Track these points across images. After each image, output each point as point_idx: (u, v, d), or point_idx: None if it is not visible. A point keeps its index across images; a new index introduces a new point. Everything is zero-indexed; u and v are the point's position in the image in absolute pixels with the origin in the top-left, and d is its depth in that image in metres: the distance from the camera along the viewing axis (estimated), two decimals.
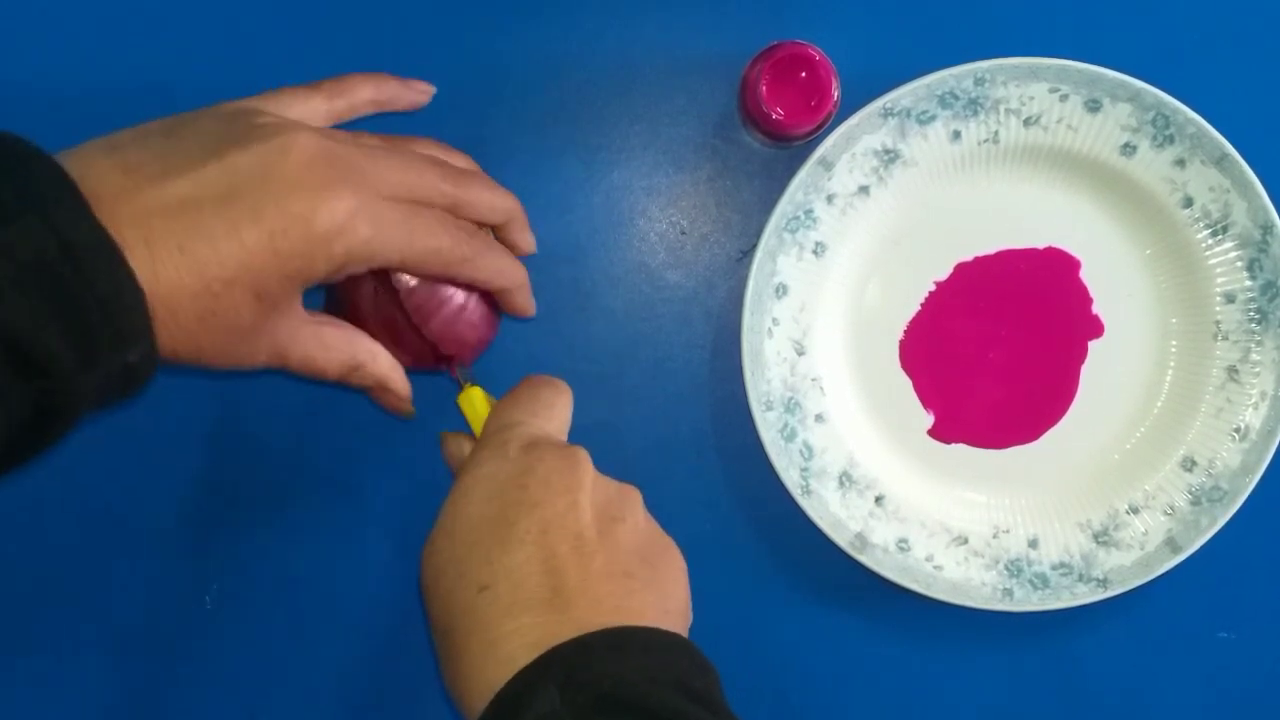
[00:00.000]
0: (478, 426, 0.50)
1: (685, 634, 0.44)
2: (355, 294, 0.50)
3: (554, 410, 0.48)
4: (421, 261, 0.45)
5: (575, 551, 0.42)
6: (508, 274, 0.49)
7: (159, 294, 0.38)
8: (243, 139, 0.41)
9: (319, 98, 0.47)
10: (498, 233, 0.51)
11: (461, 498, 0.44)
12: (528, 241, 0.52)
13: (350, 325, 0.48)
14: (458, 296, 0.51)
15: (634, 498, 0.46)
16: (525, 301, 0.51)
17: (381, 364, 0.49)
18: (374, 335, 0.49)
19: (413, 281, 0.49)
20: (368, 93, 0.49)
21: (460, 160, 0.52)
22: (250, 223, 0.39)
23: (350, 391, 0.58)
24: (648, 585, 0.43)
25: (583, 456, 0.45)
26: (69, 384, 0.37)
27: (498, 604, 0.40)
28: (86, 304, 0.36)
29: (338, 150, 0.42)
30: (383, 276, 0.49)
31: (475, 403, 0.51)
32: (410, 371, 0.51)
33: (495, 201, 0.49)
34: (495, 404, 0.49)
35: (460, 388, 0.52)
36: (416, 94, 0.52)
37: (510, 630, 0.40)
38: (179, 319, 0.39)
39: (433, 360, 0.51)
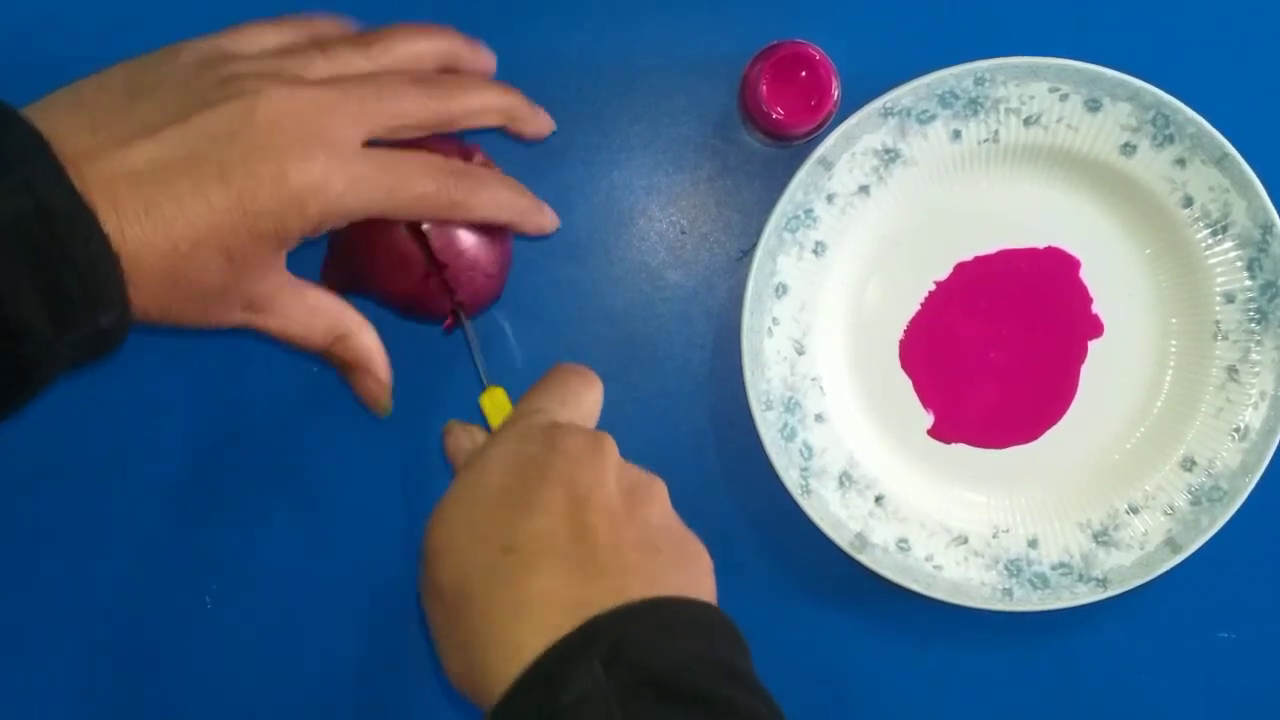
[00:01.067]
0: (497, 421, 0.48)
1: None
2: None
3: (582, 400, 0.47)
4: (406, 209, 0.44)
5: (605, 519, 0.40)
6: (508, 206, 0.48)
7: (126, 254, 0.38)
8: (208, 99, 0.40)
9: (287, 31, 0.46)
10: (508, 130, 0.49)
11: (480, 468, 0.42)
12: (539, 124, 0.50)
13: (338, 298, 0.47)
14: (466, 239, 0.49)
15: (660, 488, 0.44)
16: (536, 225, 0.49)
17: (368, 339, 0.47)
18: (378, 255, 0.48)
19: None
20: (334, 30, 0.48)
21: (441, 40, 0.48)
22: (217, 184, 0.39)
23: (349, 389, 0.58)
24: (678, 564, 0.41)
25: (608, 441, 0.43)
26: (43, 348, 0.37)
27: (523, 564, 0.38)
28: (62, 269, 0.36)
29: (305, 106, 0.41)
30: None
31: (498, 401, 0.49)
32: (410, 317, 0.50)
33: (488, 102, 0.47)
34: (524, 394, 0.47)
35: (462, 332, 0.51)
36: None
37: (540, 590, 0.37)
38: (147, 279, 0.39)
39: (438, 291, 0.50)
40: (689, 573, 0.41)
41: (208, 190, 0.39)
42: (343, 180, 0.41)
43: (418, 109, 0.44)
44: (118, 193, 0.38)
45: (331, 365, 0.48)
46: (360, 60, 0.45)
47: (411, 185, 0.44)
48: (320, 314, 0.46)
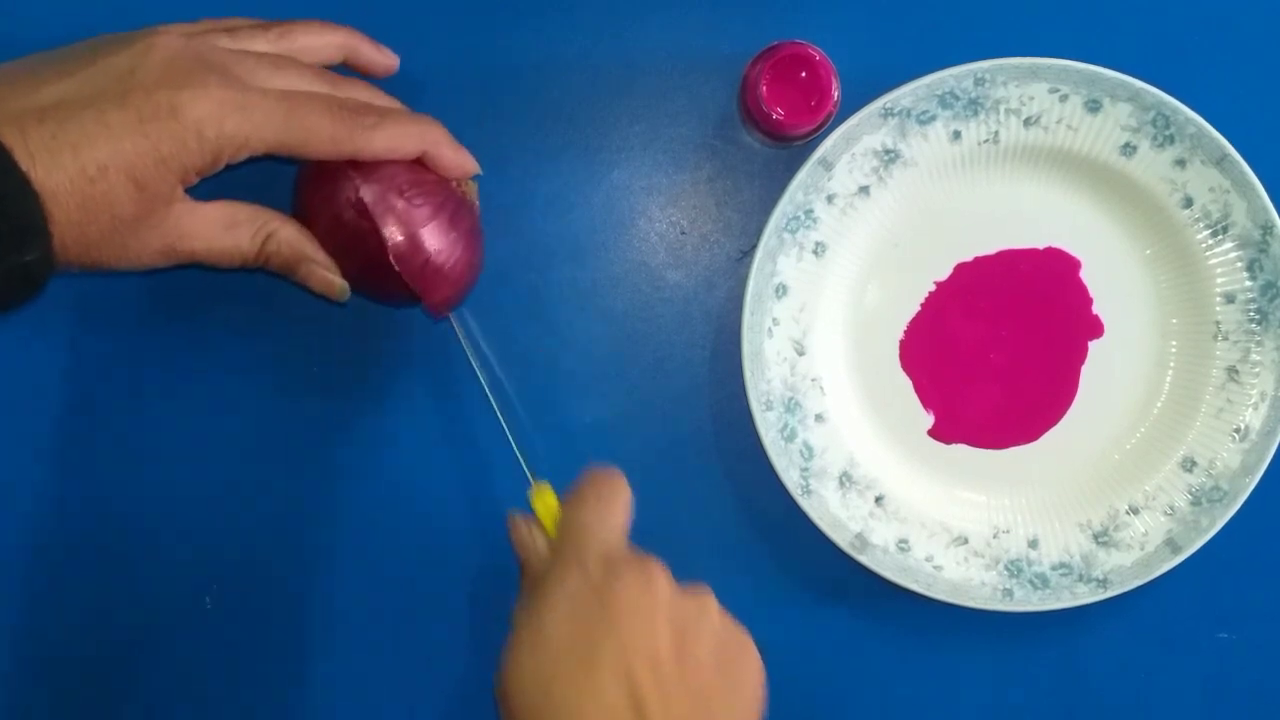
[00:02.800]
0: (549, 522, 0.50)
1: None
2: (334, 203, 0.49)
3: (616, 506, 0.49)
4: (304, 142, 0.46)
5: (655, 681, 0.43)
6: (413, 137, 0.49)
7: (40, 186, 0.40)
8: (111, 46, 0.44)
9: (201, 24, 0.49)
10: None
11: (547, 612, 0.44)
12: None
13: (246, 202, 0.48)
14: (425, 217, 0.49)
15: (708, 605, 0.46)
16: (452, 157, 0.50)
17: (295, 227, 0.49)
18: (340, 243, 0.49)
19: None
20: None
21: (341, 35, 0.51)
22: (116, 109, 0.42)
23: (347, 387, 0.58)
24: (727, 703, 0.44)
25: (658, 572, 0.45)
26: None
27: None
28: None
29: (203, 49, 0.45)
30: (360, 204, 0.48)
31: (548, 502, 0.50)
32: (383, 301, 0.51)
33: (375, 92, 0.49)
34: (564, 507, 0.49)
35: (445, 321, 0.52)
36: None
37: None
38: (62, 209, 0.41)
39: (410, 271, 0.49)
40: (737, 702, 0.45)
41: (107, 114, 0.41)
42: (237, 110, 0.44)
43: (309, 86, 0.47)
44: (26, 127, 0.40)
45: (273, 272, 0.49)
46: (260, 42, 0.48)
47: (307, 116, 0.46)
48: (239, 222, 0.48)
